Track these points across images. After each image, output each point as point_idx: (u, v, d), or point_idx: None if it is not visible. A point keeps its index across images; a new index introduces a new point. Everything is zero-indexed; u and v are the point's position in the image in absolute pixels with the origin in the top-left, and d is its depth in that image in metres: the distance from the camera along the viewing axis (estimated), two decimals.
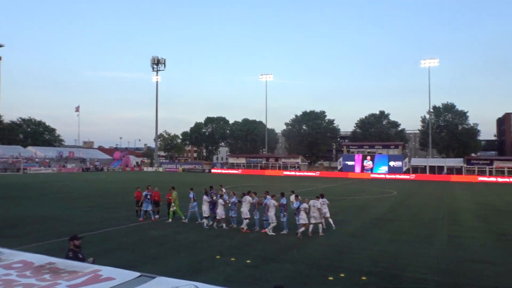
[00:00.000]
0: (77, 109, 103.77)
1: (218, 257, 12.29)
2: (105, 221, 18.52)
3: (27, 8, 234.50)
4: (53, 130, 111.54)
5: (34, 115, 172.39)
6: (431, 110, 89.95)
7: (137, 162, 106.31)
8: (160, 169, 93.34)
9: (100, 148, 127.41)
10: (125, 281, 3.60)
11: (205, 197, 18.06)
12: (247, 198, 17.16)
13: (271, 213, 16.26)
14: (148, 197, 19.52)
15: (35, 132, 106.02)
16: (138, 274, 3.78)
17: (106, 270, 3.97)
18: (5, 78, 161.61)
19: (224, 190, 19.32)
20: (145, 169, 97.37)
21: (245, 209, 16.86)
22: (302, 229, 15.81)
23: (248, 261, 11.90)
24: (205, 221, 17.66)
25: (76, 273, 3.88)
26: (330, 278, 10.42)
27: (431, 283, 10.26)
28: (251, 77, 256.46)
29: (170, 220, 19.05)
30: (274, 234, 16.05)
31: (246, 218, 16.74)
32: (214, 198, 18.66)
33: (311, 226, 16.05)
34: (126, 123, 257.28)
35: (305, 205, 16.10)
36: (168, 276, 9.45)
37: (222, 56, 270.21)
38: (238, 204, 17.73)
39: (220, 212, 17.37)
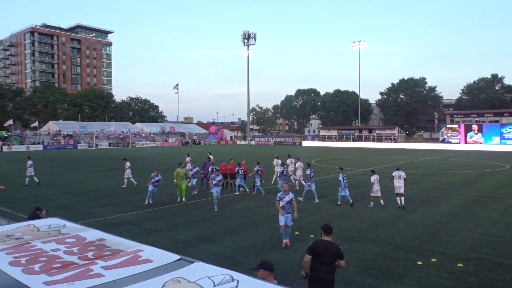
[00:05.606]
0: (176, 87, 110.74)
1: (297, 233, 11.92)
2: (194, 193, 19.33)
3: None
4: (157, 107, 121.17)
5: (140, 94, 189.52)
6: None
7: (231, 136, 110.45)
8: (253, 142, 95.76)
9: (199, 123, 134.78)
10: (162, 264, 3.39)
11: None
12: None
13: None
14: (241, 172, 19.80)
15: (141, 109, 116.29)
16: (177, 257, 3.53)
17: (147, 251, 3.80)
18: (115, 61, 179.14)
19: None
20: (238, 142, 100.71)
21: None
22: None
23: None
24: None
25: (118, 252, 3.77)
26: (419, 262, 9.36)
27: None
28: (343, 46, 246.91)
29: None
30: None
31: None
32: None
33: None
34: (221, 99, 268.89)
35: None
36: (244, 250, 9.16)
37: (312, 26, 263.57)
38: None
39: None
